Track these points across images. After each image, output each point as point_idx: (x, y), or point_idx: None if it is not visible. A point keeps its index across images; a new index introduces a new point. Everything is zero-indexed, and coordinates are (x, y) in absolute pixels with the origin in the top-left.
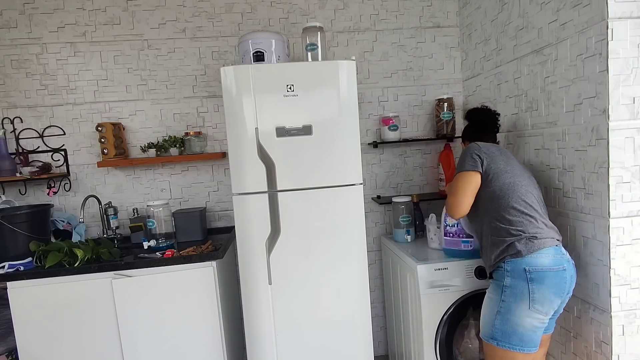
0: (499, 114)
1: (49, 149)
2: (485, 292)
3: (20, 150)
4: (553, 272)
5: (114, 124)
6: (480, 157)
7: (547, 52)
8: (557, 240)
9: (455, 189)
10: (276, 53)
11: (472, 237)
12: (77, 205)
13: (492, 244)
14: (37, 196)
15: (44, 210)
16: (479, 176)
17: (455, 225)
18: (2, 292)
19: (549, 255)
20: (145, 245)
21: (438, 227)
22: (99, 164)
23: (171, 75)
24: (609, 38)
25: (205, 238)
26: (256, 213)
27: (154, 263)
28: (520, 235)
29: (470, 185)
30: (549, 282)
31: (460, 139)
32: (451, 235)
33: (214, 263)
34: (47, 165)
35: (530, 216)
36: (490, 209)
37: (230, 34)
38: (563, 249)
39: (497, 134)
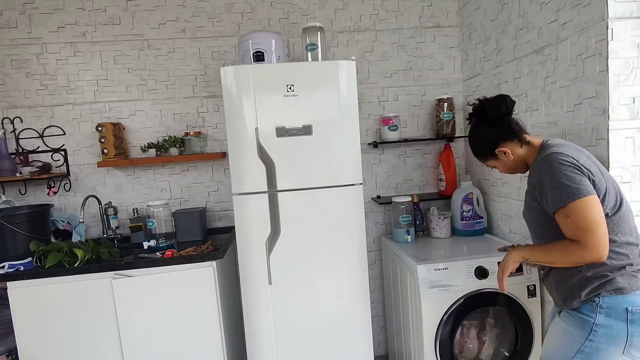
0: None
1: (49, 149)
2: (484, 292)
3: (20, 150)
4: None
5: (114, 124)
6: (583, 170)
7: (547, 52)
8: None
9: (588, 223)
10: (276, 53)
11: (482, 217)
12: (77, 205)
13: (585, 278)
14: (37, 196)
15: (44, 210)
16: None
17: (470, 211)
18: (2, 292)
19: None
20: (145, 245)
21: (439, 218)
22: (99, 164)
23: (171, 75)
24: (609, 38)
25: (205, 238)
26: (256, 213)
27: (154, 263)
28: (625, 268)
29: (600, 212)
30: None
31: (488, 148)
32: (467, 219)
33: (214, 263)
34: (47, 165)
35: (636, 245)
36: None
37: (230, 34)
38: None
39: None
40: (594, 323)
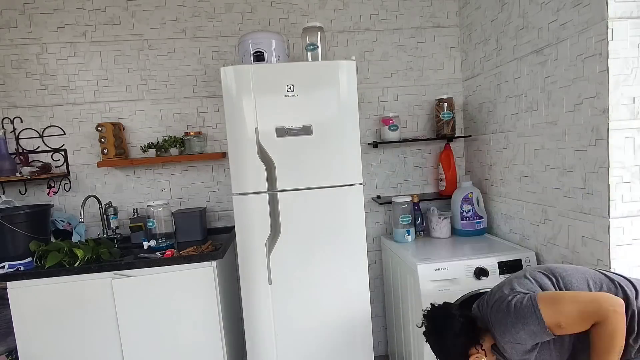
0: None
1: (49, 149)
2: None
3: (20, 150)
4: None
5: (114, 124)
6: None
7: (547, 52)
8: None
9: (572, 306)
10: (276, 53)
11: (482, 217)
12: (77, 205)
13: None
14: (37, 196)
15: (44, 210)
16: None
17: (470, 211)
18: (2, 292)
19: None
20: (145, 245)
21: (439, 218)
22: (99, 164)
23: (171, 75)
24: (609, 38)
25: (205, 238)
26: (256, 213)
27: (154, 263)
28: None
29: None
30: None
31: (475, 349)
32: (467, 219)
33: (214, 263)
34: (47, 165)
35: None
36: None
37: (230, 34)
38: None
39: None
40: None
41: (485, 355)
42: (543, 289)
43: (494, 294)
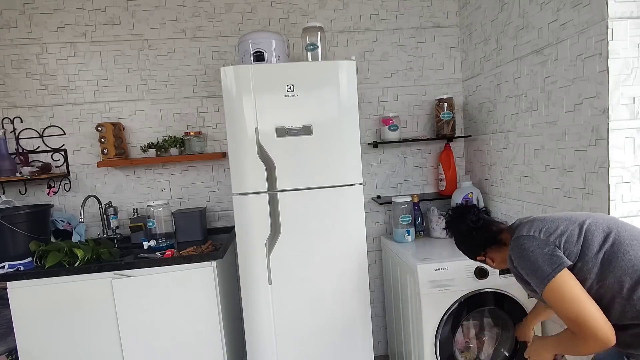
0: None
1: (49, 149)
2: (484, 292)
3: (20, 150)
4: None
5: (114, 124)
6: (549, 242)
7: (547, 52)
8: None
9: (572, 310)
10: (276, 53)
11: None
12: (77, 205)
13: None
14: (37, 196)
15: (44, 210)
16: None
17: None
18: (2, 292)
19: None
20: (145, 245)
21: (439, 218)
22: (99, 164)
23: (171, 75)
24: (609, 38)
25: (205, 238)
26: (256, 213)
27: (154, 263)
28: None
29: (577, 286)
30: None
31: (471, 255)
32: None
33: (214, 263)
34: (47, 165)
35: None
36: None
37: (230, 34)
38: None
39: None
40: None
41: (493, 262)
42: (583, 250)
43: (532, 227)
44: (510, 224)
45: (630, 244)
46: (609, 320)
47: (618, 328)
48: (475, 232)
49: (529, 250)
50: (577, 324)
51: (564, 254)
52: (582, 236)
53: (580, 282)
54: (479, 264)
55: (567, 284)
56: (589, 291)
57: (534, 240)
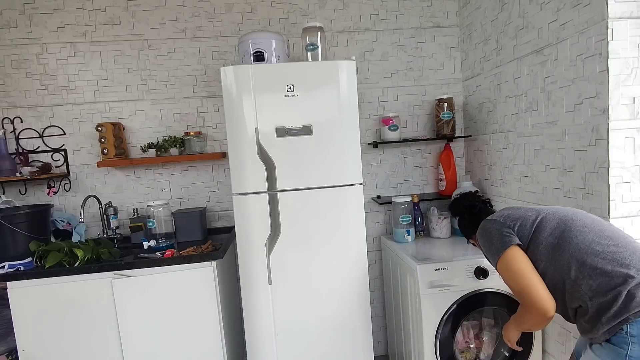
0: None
1: (49, 149)
2: (484, 292)
3: (20, 150)
4: None
5: (114, 124)
6: (506, 224)
7: (547, 52)
8: None
9: (516, 281)
10: (276, 53)
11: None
12: (77, 205)
13: (597, 308)
14: (37, 196)
15: (44, 210)
16: (519, 248)
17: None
18: (2, 292)
19: None
20: (145, 245)
21: (439, 218)
22: (99, 164)
23: (171, 75)
24: (609, 38)
25: (205, 238)
26: (256, 213)
27: (154, 263)
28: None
29: (524, 261)
30: None
31: (470, 234)
32: None
33: (214, 263)
34: (47, 165)
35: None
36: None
37: (230, 34)
38: None
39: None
40: (627, 355)
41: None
42: (535, 234)
43: (497, 214)
44: None
45: (581, 230)
46: (565, 304)
47: (578, 315)
48: (467, 215)
49: (488, 230)
50: (521, 295)
51: (517, 236)
52: (536, 222)
53: (533, 264)
54: (479, 264)
55: (514, 259)
56: (543, 274)
57: (493, 223)
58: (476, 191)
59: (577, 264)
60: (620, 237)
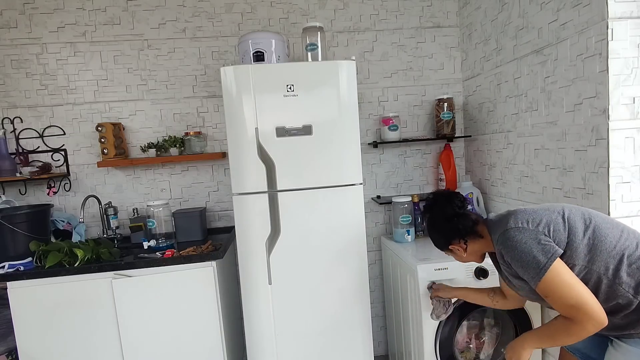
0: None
1: (49, 149)
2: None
3: (20, 150)
4: None
5: (114, 124)
6: (539, 232)
7: (547, 52)
8: None
9: (569, 296)
10: (276, 53)
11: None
12: (77, 205)
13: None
14: (37, 196)
15: (44, 210)
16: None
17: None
18: (2, 292)
19: None
20: (145, 245)
21: None
22: (99, 164)
23: (171, 75)
24: (609, 38)
25: (205, 238)
26: (256, 213)
27: (154, 263)
28: None
29: (569, 274)
30: None
31: (441, 243)
32: None
33: (214, 263)
34: (47, 165)
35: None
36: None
37: (230, 34)
38: None
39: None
40: None
41: (464, 253)
42: (570, 237)
43: (517, 219)
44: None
45: (606, 227)
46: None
47: (612, 312)
48: (457, 218)
49: (522, 241)
50: (575, 310)
51: (555, 242)
52: (567, 224)
53: (570, 269)
54: (479, 264)
55: (562, 271)
56: (581, 279)
57: (524, 232)
58: (449, 188)
59: (614, 262)
60: (624, 227)
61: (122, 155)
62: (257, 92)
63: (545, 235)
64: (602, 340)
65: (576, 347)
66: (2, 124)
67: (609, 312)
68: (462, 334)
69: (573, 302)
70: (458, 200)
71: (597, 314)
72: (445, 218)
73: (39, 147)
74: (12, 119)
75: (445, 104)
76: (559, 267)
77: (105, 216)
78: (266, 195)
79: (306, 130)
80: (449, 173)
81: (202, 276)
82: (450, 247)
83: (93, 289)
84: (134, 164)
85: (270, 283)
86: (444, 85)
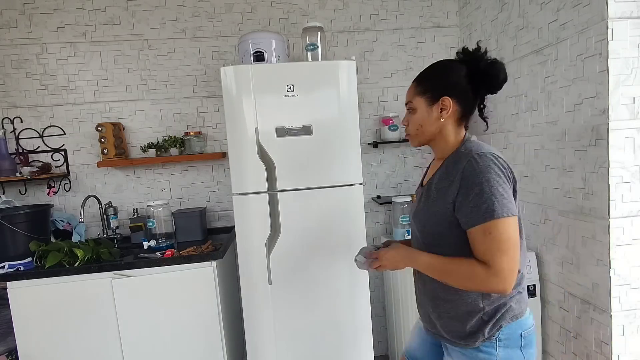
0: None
1: (49, 149)
2: None
3: (20, 150)
4: (533, 329)
5: (114, 124)
6: (512, 184)
7: (547, 52)
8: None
9: (507, 245)
10: (276, 53)
11: None
12: (77, 205)
13: (488, 314)
14: (37, 196)
15: (44, 210)
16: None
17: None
18: (2, 292)
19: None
20: (145, 245)
21: None
22: (99, 164)
23: (171, 75)
24: (609, 38)
25: (205, 238)
26: (256, 213)
27: (154, 263)
28: (516, 292)
29: (517, 236)
30: (533, 343)
31: (438, 86)
32: None
33: (214, 263)
34: (47, 165)
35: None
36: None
37: (230, 34)
38: None
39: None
40: None
41: (440, 114)
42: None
43: (502, 161)
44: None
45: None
46: None
47: (457, 317)
48: (483, 89)
49: (496, 176)
50: (504, 256)
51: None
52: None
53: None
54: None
55: (515, 229)
56: None
57: (503, 172)
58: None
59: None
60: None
61: (122, 155)
62: (257, 92)
63: (513, 198)
64: (439, 350)
65: (415, 356)
66: (2, 124)
67: (458, 317)
68: None
69: (506, 248)
70: (498, 84)
71: (512, 274)
72: (473, 73)
73: (39, 147)
74: (12, 119)
75: None
76: (514, 224)
77: (105, 216)
78: (266, 195)
79: (306, 130)
80: None
81: (202, 276)
82: (442, 97)
83: (93, 289)
84: (134, 164)
85: (270, 283)
86: None
